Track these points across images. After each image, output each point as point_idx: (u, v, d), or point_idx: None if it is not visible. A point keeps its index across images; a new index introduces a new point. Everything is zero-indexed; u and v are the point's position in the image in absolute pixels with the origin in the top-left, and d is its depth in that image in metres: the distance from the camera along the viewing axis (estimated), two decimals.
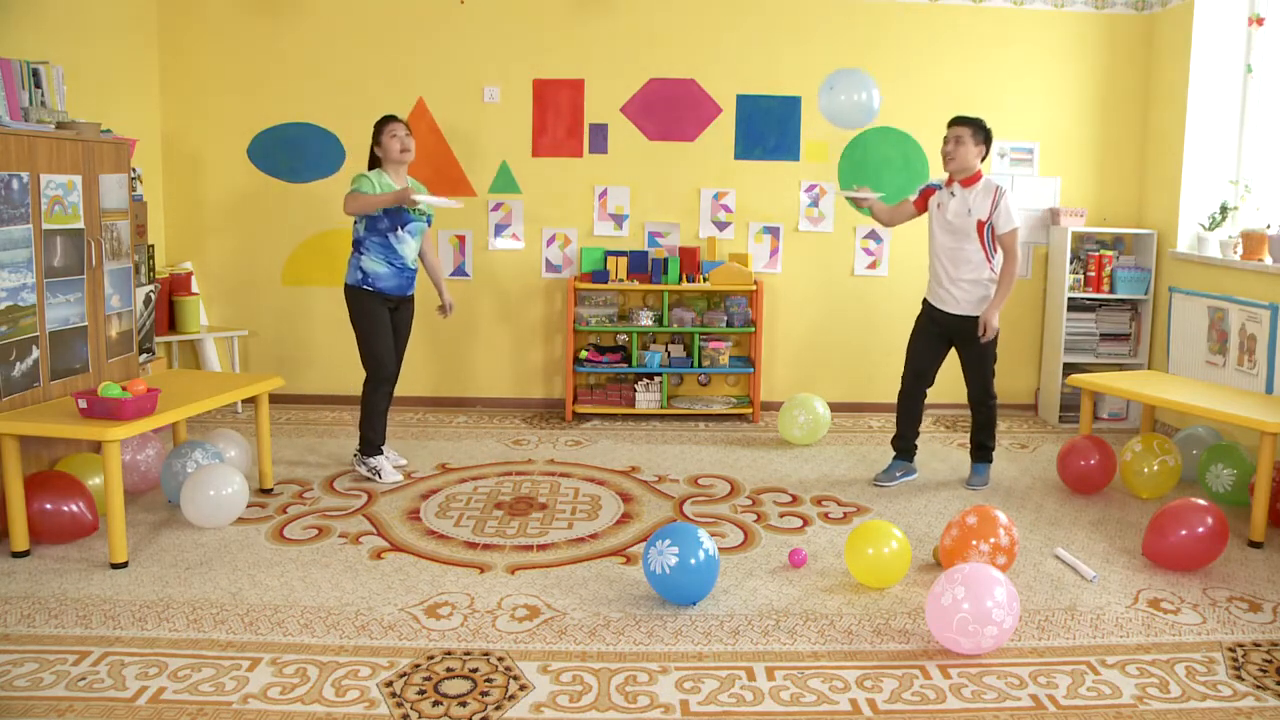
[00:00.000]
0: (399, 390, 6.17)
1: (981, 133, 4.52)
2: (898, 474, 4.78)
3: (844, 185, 6.01)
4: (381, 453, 4.76)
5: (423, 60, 5.91)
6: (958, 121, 4.56)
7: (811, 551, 3.89)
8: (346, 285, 4.64)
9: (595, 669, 2.94)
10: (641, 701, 2.77)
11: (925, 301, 4.74)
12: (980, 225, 4.48)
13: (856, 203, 4.68)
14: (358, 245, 4.61)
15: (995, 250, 4.52)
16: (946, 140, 4.54)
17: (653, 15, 5.91)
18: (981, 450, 4.78)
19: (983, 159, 4.55)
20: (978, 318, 4.53)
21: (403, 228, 4.57)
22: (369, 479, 4.68)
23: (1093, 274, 5.98)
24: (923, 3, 5.96)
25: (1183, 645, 3.15)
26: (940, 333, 4.67)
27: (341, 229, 5.99)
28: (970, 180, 4.52)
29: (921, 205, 4.72)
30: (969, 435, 4.86)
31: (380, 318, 4.64)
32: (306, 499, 4.43)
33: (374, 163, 4.68)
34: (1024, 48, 6.01)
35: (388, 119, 4.66)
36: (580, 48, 5.93)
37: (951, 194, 4.56)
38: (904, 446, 4.82)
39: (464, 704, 2.73)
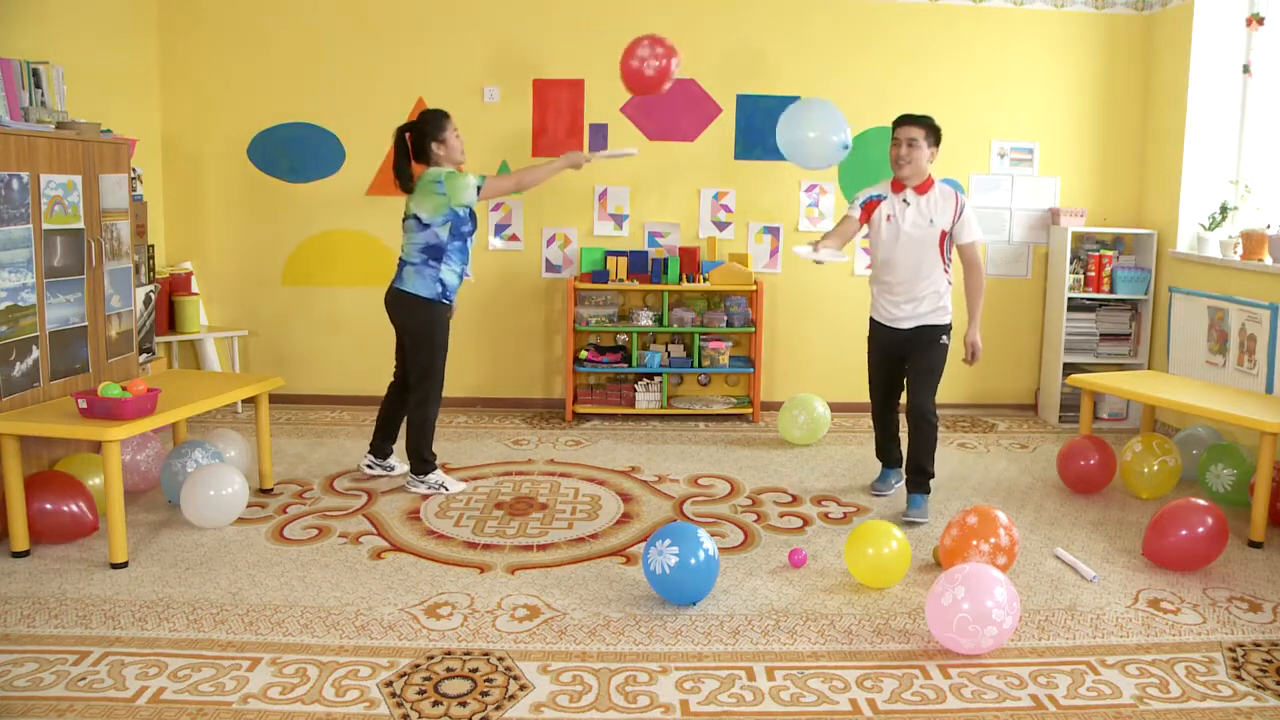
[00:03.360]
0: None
1: (934, 134, 4.15)
2: (894, 481, 4.62)
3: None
4: (436, 468, 4.55)
5: (423, 60, 5.91)
6: (909, 121, 4.14)
7: (811, 552, 3.89)
8: (419, 298, 4.29)
9: (595, 669, 2.94)
10: (641, 701, 2.77)
11: (873, 322, 4.43)
12: (943, 235, 4.18)
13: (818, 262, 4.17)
14: (436, 254, 4.27)
15: (950, 260, 4.25)
16: (898, 143, 4.14)
17: (653, 15, 5.90)
18: (920, 476, 4.30)
19: (933, 161, 4.20)
20: (934, 326, 4.24)
21: (473, 234, 4.42)
22: (434, 492, 4.48)
23: (1093, 274, 5.98)
24: (923, 3, 5.96)
25: (1183, 645, 3.15)
26: (896, 354, 4.36)
27: (342, 229, 6.01)
28: (924, 186, 4.19)
29: (865, 219, 4.30)
30: (907, 464, 4.34)
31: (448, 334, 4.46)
32: (306, 499, 4.43)
33: (419, 160, 4.33)
34: (1024, 48, 6.01)
35: (445, 114, 4.33)
36: (580, 48, 5.93)
37: (905, 202, 4.19)
38: (893, 457, 4.63)
39: (464, 704, 2.73)
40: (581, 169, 4.52)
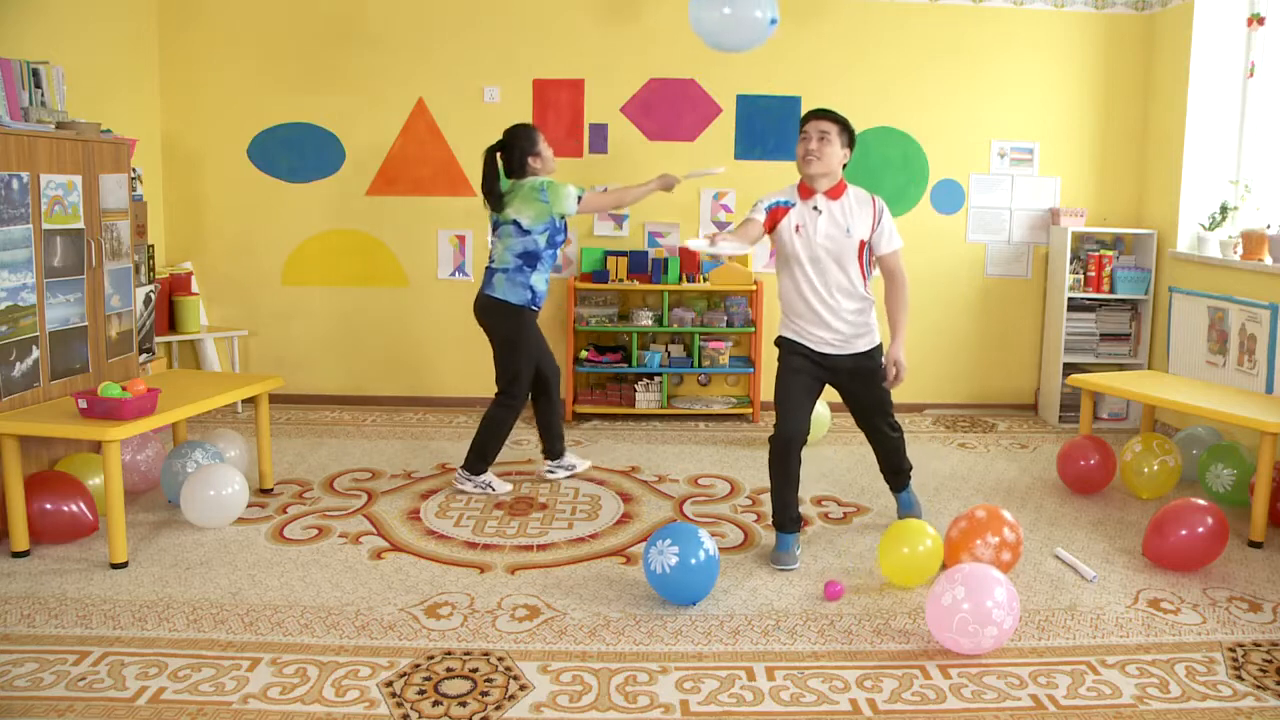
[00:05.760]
0: (401, 390, 6.20)
1: (847, 132, 3.71)
2: (797, 551, 3.82)
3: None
4: (488, 470, 4.55)
5: (423, 60, 5.91)
6: (820, 115, 3.68)
7: (811, 552, 3.89)
8: (509, 305, 4.36)
9: (595, 669, 2.94)
10: (641, 701, 2.77)
11: (789, 341, 3.81)
12: (861, 245, 3.70)
13: (714, 256, 3.80)
14: (531, 261, 4.34)
15: (871, 271, 3.80)
16: (807, 136, 3.66)
17: (653, 15, 5.91)
18: (899, 476, 4.12)
19: (845, 164, 3.75)
20: (868, 353, 3.80)
21: (564, 244, 4.54)
22: (480, 492, 4.49)
23: (1093, 274, 5.98)
24: (923, 2, 5.96)
25: (1183, 645, 3.15)
26: (820, 378, 3.80)
27: (342, 229, 6.00)
28: (836, 190, 3.71)
29: (770, 226, 3.77)
30: (881, 468, 4.13)
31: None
32: (306, 499, 4.43)
33: (513, 175, 4.42)
34: (1024, 48, 6.01)
35: (534, 127, 4.44)
36: (580, 48, 5.93)
37: (816, 209, 3.69)
38: (791, 514, 3.81)
39: (464, 704, 2.73)
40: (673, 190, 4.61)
